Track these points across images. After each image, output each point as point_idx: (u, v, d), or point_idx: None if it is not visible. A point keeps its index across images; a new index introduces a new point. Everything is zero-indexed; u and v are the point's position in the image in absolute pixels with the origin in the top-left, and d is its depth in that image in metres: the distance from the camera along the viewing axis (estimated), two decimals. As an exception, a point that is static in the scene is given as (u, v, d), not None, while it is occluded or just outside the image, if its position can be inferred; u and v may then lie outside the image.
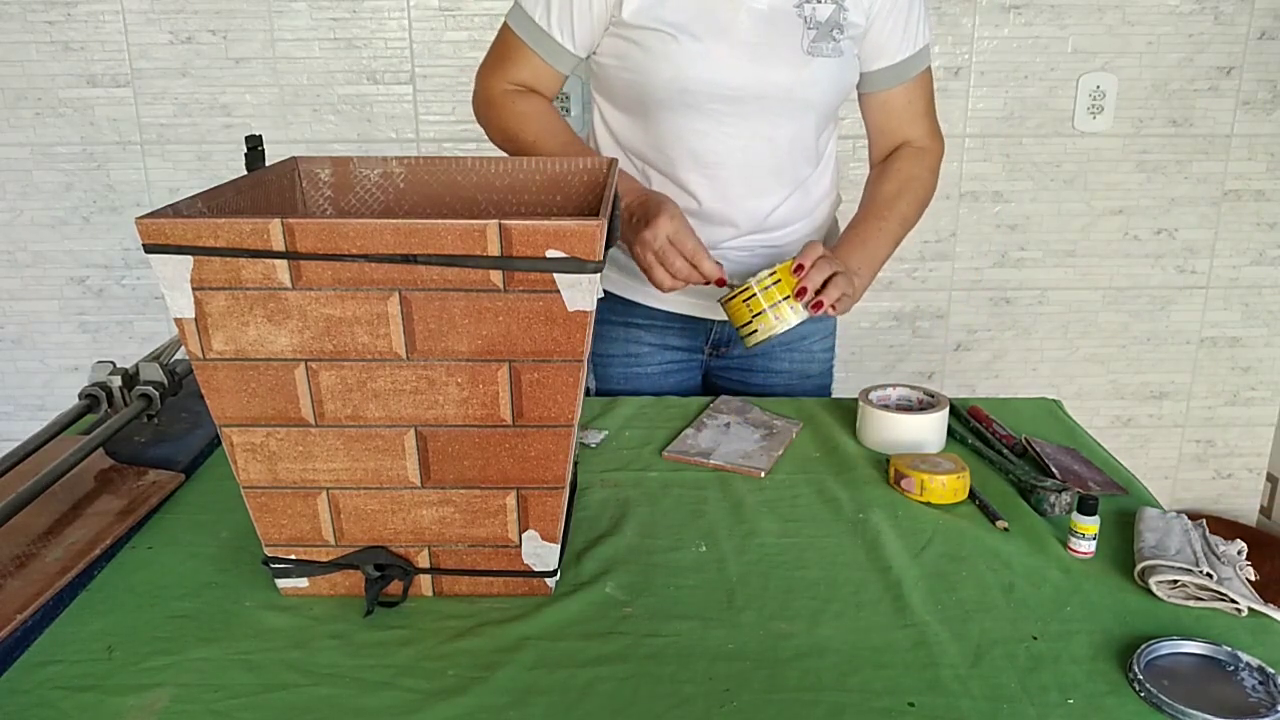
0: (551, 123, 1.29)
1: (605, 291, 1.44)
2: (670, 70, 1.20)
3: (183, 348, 1.07)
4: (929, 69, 1.36)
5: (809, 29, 1.21)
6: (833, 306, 1.16)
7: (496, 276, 0.77)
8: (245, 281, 0.77)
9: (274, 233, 0.75)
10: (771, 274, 1.15)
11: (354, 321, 0.79)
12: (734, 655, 0.82)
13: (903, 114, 1.35)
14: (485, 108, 1.31)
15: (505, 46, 1.29)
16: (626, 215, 1.20)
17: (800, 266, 1.14)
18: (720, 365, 1.48)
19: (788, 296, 1.14)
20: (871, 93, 1.34)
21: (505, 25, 1.28)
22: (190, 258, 0.76)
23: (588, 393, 1.49)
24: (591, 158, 1.08)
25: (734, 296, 1.16)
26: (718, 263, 1.17)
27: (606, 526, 1.02)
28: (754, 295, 1.15)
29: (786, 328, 1.16)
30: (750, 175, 1.28)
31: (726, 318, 1.20)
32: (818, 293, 1.15)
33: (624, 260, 1.40)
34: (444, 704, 0.76)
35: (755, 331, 1.16)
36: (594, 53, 1.27)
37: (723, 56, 1.20)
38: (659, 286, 1.19)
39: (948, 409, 1.20)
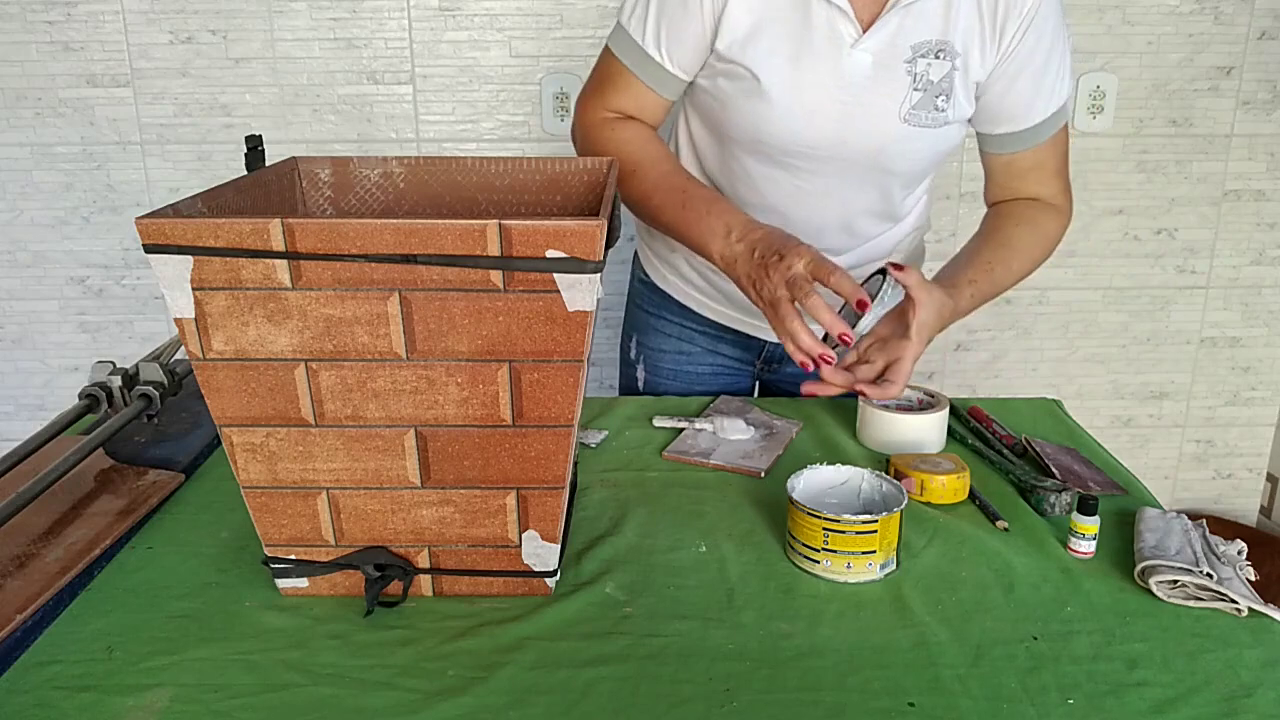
0: (653, 150, 1.18)
1: (662, 292, 1.38)
2: (750, 116, 1.14)
3: (183, 348, 1.07)
4: (1065, 127, 1.21)
5: (915, 90, 1.10)
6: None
7: (496, 276, 0.77)
8: (245, 281, 0.77)
9: (274, 233, 0.75)
10: (869, 523, 0.90)
11: (354, 321, 0.79)
12: (734, 655, 0.82)
13: (1027, 175, 1.22)
14: (583, 136, 1.22)
15: (606, 71, 1.20)
16: (748, 250, 1.07)
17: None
18: (773, 379, 1.46)
19: (873, 551, 0.90)
20: (993, 153, 1.22)
21: (606, 49, 1.20)
22: (190, 258, 0.76)
23: (637, 384, 1.47)
24: (589, 159, 1.08)
25: (813, 514, 0.92)
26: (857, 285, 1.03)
27: (606, 526, 1.01)
28: (839, 534, 0.90)
29: (852, 583, 0.92)
30: (818, 228, 1.20)
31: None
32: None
33: (684, 268, 1.36)
34: (444, 704, 0.76)
35: (816, 562, 0.92)
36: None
37: (807, 112, 1.11)
38: (793, 338, 1.03)
39: (948, 409, 1.20)
